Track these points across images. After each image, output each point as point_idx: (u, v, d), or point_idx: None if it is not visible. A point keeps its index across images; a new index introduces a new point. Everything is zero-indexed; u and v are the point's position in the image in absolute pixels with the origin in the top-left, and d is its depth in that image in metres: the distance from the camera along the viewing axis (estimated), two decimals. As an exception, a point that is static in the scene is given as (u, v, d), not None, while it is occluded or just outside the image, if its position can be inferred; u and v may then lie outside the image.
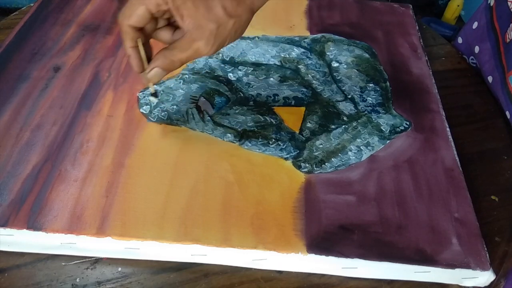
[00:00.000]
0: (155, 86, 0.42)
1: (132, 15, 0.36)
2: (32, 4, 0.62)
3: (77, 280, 0.38)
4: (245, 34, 0.59)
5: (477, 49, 0.61)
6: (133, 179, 0.42)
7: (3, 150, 0.44)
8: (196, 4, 0.36)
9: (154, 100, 0.43)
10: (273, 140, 0.47)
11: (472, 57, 0.63)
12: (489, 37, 0.59)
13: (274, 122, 0.49)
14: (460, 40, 0.67)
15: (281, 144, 0.46)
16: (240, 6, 0.37)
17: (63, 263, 0.39)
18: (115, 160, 0.44)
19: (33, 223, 0.38)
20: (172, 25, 0.39)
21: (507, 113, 0.54)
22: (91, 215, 0.39)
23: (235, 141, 0.46)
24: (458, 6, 1.79)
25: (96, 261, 0.39)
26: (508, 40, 0.54)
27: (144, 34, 0.39)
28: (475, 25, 0.63)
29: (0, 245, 0.39)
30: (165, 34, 0.39)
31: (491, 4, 0.60)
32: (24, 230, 0.38)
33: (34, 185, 0.41)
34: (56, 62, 0.54)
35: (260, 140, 0.47)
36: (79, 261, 0.39)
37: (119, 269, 0.39)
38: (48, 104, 0.49)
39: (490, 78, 0.58)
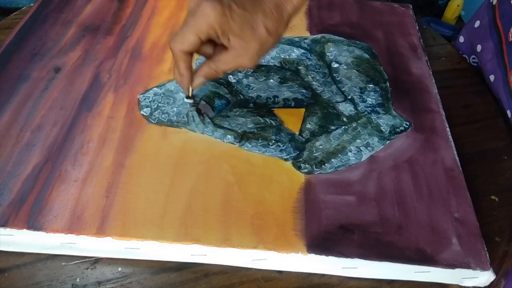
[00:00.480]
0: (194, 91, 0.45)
1: (184, 42, 0.39)
2: (32, 4, 0.63)
3: (77, 280, 0.38)
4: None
5: (479, 47, 0.61)
6: (134, 180, 0.43)
7: (4, 150, 0.44)
8: (242, 27, 0.39)
9: (190, 101, 0.46)
10: (273, 141, 0.47)
11: (473, 56, 0.63)
12: (492, 36, 0.59)
13: (274, 124, 0.49)
14: (461, 39, 0.66)
15: (281, 145, 0.46)
16: (280, 25, 0.40)
17: (63, 263, 0.39)
18: (116, 161, 0.44)
19: (33, 223, 0.38)
20: (213, 41, 0.41)
21: (508, 112, 0.54)
22: (91, 215, 0.39)
23: (235, 143, 0.46)
24: (458, 6, 1.79)
25: (96, 261, 0.39)
26: (511, 39, 0.54)
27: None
28: (477, 23, 0.63)
29: (0, 245, 0.39)
30: (207, 49, 0.42)
31: (494, 3, 0.60)
32: (24, 230, 0.38)
33: (34, 185, 0.41)
34: (56, 63, 0.54)
35: (260, 141, 0.47)
36: (79, 261, 0.39)
37: (119, 269, 0.39)
38: (48, 105, 0.49)
39: (492, 77, 0.58)
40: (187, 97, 0.45)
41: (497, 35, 0.58)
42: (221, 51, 0.41)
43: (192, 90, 0.44)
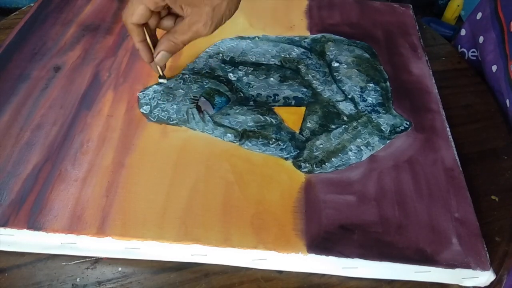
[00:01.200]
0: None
1: (133, 14, 0.40)
2: (32, 4, 0.62)
3: (78, 280, 0.38)
4: (245, 34, 0.59)
5: (481, 39, 0.61)
6: (133, 179, 0.42)
7: (3, 150, 0.44)
8: None
9: (163, 81, 0.46)
10: (273, 140, 0.47)
11: (473, 49, 0.63)
12: (494, 27, 0.59)
13: (274, 122, 0.49)
14: (463, 32, 0.67)
15: (281, 144, 0.46)
16: None
17: (63, 263, 0.39)
18: (115, 160, 0.44)
19: (33, 223, 0.38)
20: (173, 14, 0.42)
21: (507, 101, 0.54)
22: (91, 215, 0.39)
23: (235, 141, 0.46)
24: (458, 6, 1.79)
25: (96, 261, 0.39)
26: None
27: (149, 26, 0.43)
28: (479, 15, 0.63)
29: (0, 245, 0.39)
30: (168, 23, 0.42)
31: None
32: (24, 230, 0.38)
33: (34, 185, 0.41)
34: (56, 62, 0.54)
35: (260, 140, 0.47)
36: (79, 261, 0.39)
37: (119, 269, 0.39)
38: (48, 104, 0.49)
39: (494, 67, 0.58)
40: (160, 76, 0.45)
41: (499, 25, 0.58)
42: (177, 22, 0.41)
43: (162, 68, 0.44)
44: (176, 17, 0.42)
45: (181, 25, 0.41)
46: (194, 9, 0.39)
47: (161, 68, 0.45)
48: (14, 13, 0.65)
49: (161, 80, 0.46)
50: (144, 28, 0.43)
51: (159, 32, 0.46)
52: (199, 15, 0.40)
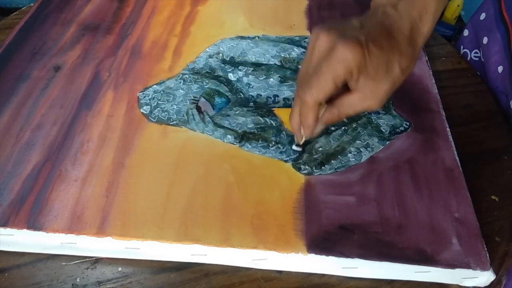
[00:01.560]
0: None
1: (320, 92, 0.35)
2: (32, 4, 0.62)
3: (78, 280, 0.38)
4: (245, 34, 0.59)
5: (485, 40, 0.61)
6: (134, 179, 0.42)
7: (3, 150, 0.44)
8: (377, 68, 0.35)
9: (299, 149, 0.45)
10: (273, 142, 0.47)
11: (476, 50, 0.63)
12: (498, 28, 0.59)
13: (274, 124, 0.48)
14: (466, 32, 0.66)
15: (281, 147, 0.46)
16: (413, 62, 0.37)
17: (63, 263, 0.39)
18: (116, 160, 0.44)
19: (33, 223, 0.38)
20: None
21: (511, 103, 0.54)
22: (91, 215, 0.39)
23: (235, 143, 0.46)
24: (458, 6, 1.78)
25: (96, 261, 0.39)
26: None
27: None
28: (482, 16, 0.63)
29: (0, 245, 0.39)
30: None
31: None
32: (24, 230, 0.38)
33: (34, 185, 0.41)
34: (56, 62, 0.54)
35: (260, 142, 0.47)
36: (79, 261, 0.39)
37: (119, 269, 0.39)
38: (48, 104, 0.49)
39: (500, 68, 0.57)
40: (297, 145, 0.44)
41: (504, 26, 0.58)
42: (344, 94, 0.37)
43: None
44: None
45: (351, 99, 0.37)
46: (373, 84, 0.35)
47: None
48: (14, 13, 0.65)
49: (296, 149, 0.44)
50: None
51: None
52: (376, 92, 0.36)
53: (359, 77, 0.35)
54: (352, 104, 0.37)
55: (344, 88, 0.37)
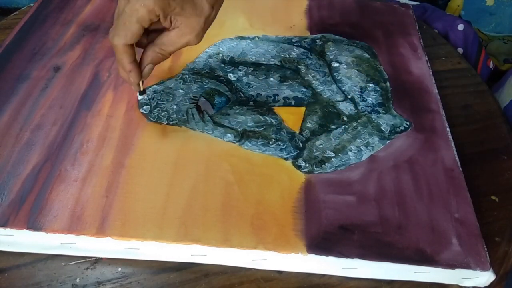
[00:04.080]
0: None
1: (127, 34, 0.37)
2: (32, 4, 0.62)
3: (77, 280, 0.38)
4: (245, 34, 0.59)
5: None
6: (133, 179, 0.42)
7: (3, 150, 0.44)
8: (183, 5, 0.37)
9: (144, 97, 0.45)
10: (273, 140, 0.47)
11: None
12: None
13: (274, 122, 0.49)
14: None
15: (281, 144, 0.46)
16: None
17: (63, 263, 0.39)
18: (115, 160, 0.44)
19: (33, 223, 0.38)
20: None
21: None
22: (91, 215, 0.39)
23: (235, 141, 0.46)
24: (458, 6, 1.78)
25: (96, 261, 0.39)
26: None
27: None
28: None
29: (0, 245, 0.39)
30: (141, 38, 0.40)
31: None
32: (24, 230, 0.38)
33: (34, 185, 0.41)
34: (56, 62, 0.54)
35: (260, 140, 0.47)
36: (79, 261, 0.39)
37: (119, 269, 0.39)
38: (48, 104, 0.49)
39: None
40: (140, 92, 0.44)
41: None
42: (163, 33, 0.39)
43: (143, 83, 0.43)
44: (148, 32, 0.40)
45: (170, 36, 0.39)
46: (185, 20, 0.38)
47: (142, 82, 0.43)
48: (14, 13, 0.65)
49: (141, 97, 0.44)
50: None
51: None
52: (191, 27, 0.39)
53: (168, 16, 0.37)
54: (171, 41, 0.39)
55: (160, 31, 0.40)
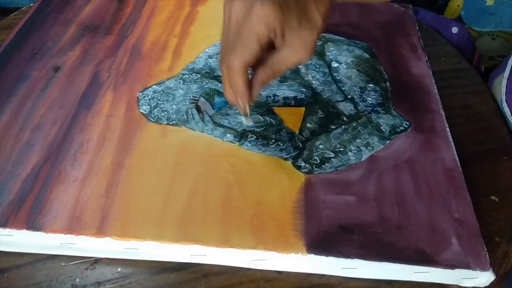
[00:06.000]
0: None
1: (245, 53, 0.34)
2: (32, 4, 0.62)
3: (77, 280, 0.38)
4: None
5: None
6: (133, 179, 0.42)
7: (3, 150, 0.44)
8: (299, 19, 0.34)
9: (250, 123, 0.43)
10: (273, 140, 0.47)
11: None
12: None
13: (274, 122, 0.48)
14: None
15: (281, 145, 0.46)
16: (329, 6, 0.36)
17: (63, 263, 0.39)
18: (115, 160, 0.44)
19: (33, 223, 0.38)
20: None
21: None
22: (91, 215, 0.39)
23: (234, 141, 0.46)
24: (458, 6, 1.78)
25: (96, 261, 0.39)
26: None
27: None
28: None
29: (0, 245, 0.39)
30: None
31: None
32: (24, 230, 0.38)
33: (34, 185, 0.41)
34: (56, 62, 0.54)
35: (260, 140, 0.47)
36: (78, 261, 0.39)
37: (119, 269, 0.39)
38: (48, 104, 0.49)
39: None
40: (246, 115, 0.41)
41: None
42: (274, 52, 0.36)
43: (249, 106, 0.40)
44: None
45: (282, 54, 0.36)
46: (298, 35, 0.35)
47: (249, 106, 0.40)
48: (14, 13, 0.65)
49: (247, 123, 0.41)
50: None
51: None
52: (303, 42, 0.35)
53: (283, 33, 0.34)
54: (283, 59, 0.36)
55: (270, 51, 0.37)
